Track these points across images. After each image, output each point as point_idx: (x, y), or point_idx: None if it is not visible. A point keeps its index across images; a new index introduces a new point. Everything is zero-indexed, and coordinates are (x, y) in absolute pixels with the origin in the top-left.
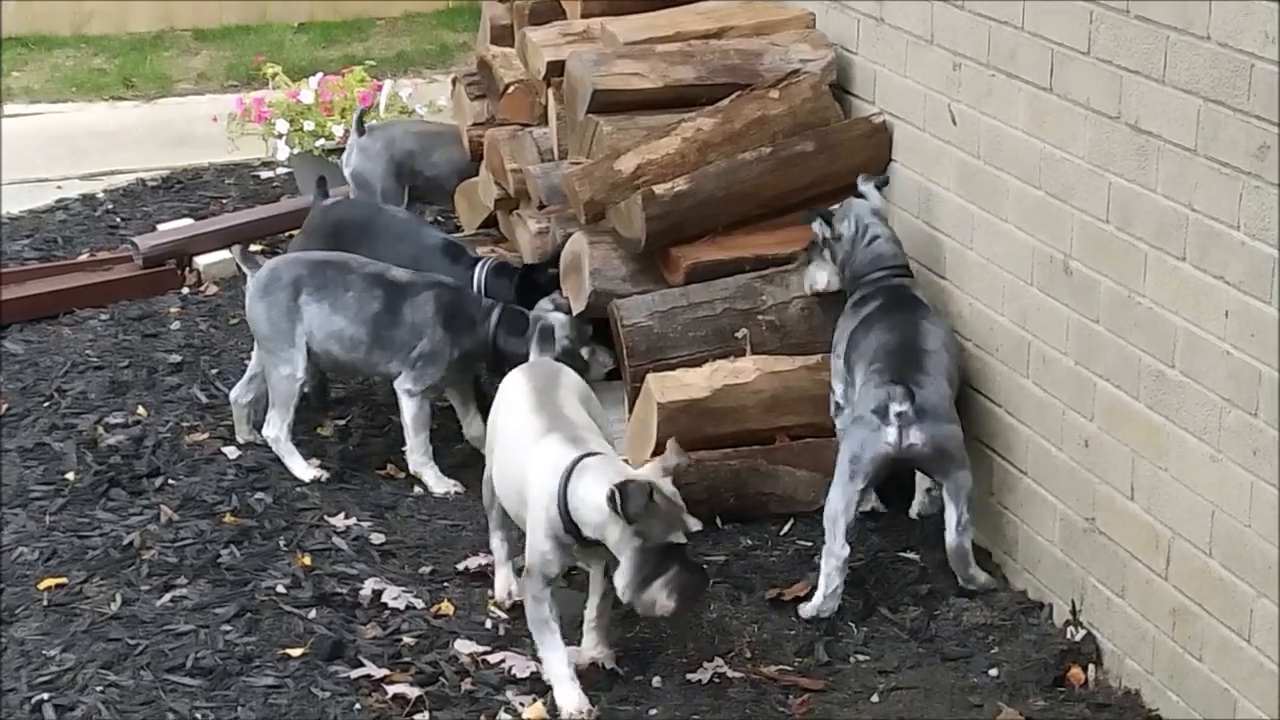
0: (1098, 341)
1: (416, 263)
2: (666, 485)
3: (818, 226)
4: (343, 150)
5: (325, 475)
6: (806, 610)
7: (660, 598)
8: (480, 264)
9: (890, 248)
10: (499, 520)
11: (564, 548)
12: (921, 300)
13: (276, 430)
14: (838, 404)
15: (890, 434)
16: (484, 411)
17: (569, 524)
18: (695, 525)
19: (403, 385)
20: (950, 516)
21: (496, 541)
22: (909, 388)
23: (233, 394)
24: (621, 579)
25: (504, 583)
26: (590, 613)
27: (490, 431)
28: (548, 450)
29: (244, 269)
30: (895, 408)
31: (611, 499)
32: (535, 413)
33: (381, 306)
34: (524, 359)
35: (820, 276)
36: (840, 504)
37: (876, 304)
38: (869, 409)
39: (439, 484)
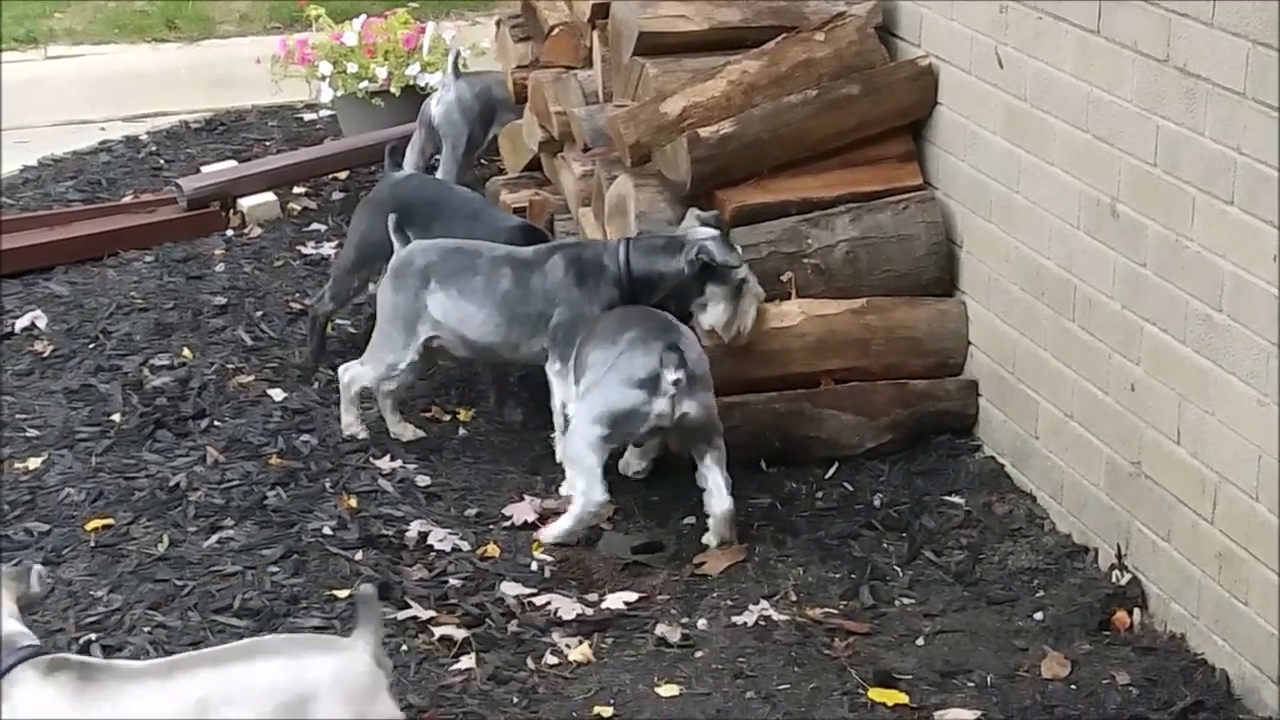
0: (1145, 285)
1: None
2: None
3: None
4: (385, 93)
5: (365, 435)
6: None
7: None
8: None
9: None
10: None
11: None
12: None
13: (352, 376)
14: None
15: (661, 404)
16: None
17: None
18: None
19: (552, 367)
20: (719, 480)
21: None
22: (680, 353)
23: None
24: None
25: None
26: None
27: None
28: None
29: (395, 241)
30: (670, 375)
31: None
32: None
33: (511, 284)
34: (671, 281)
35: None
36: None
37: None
38: (635, 377)
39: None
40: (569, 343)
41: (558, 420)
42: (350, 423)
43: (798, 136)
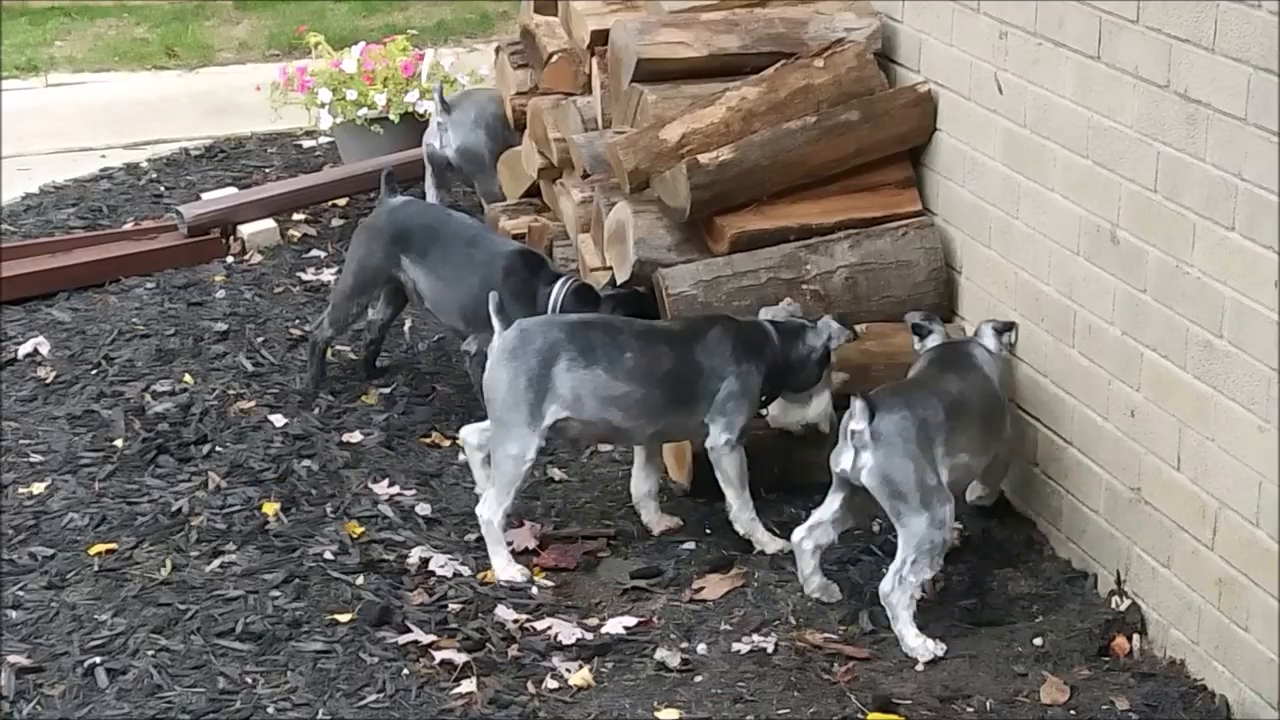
0: (1145, 311)
1: (488, 269)
2: None
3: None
4: (384, 120)
5: (524, 579)
6: None
7: None
8: (560, 283)
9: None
10: None
11: None
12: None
13: (491, 513)
14: None
15: None
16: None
17: None
18: None
19: (719, 439)
20: None
21: None
22: None
23: (462, 434)
24: None
25: None
26: None
27: None
28: None
29: (496, 322)
30: None
31: None
32: None
33: (672, 362)
34: (812, 370)
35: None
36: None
37: None
38: None
39: (773, 543)
40: (740, 412)
41: (745, 497)
42: (502, 566)
43: (797, 163)
